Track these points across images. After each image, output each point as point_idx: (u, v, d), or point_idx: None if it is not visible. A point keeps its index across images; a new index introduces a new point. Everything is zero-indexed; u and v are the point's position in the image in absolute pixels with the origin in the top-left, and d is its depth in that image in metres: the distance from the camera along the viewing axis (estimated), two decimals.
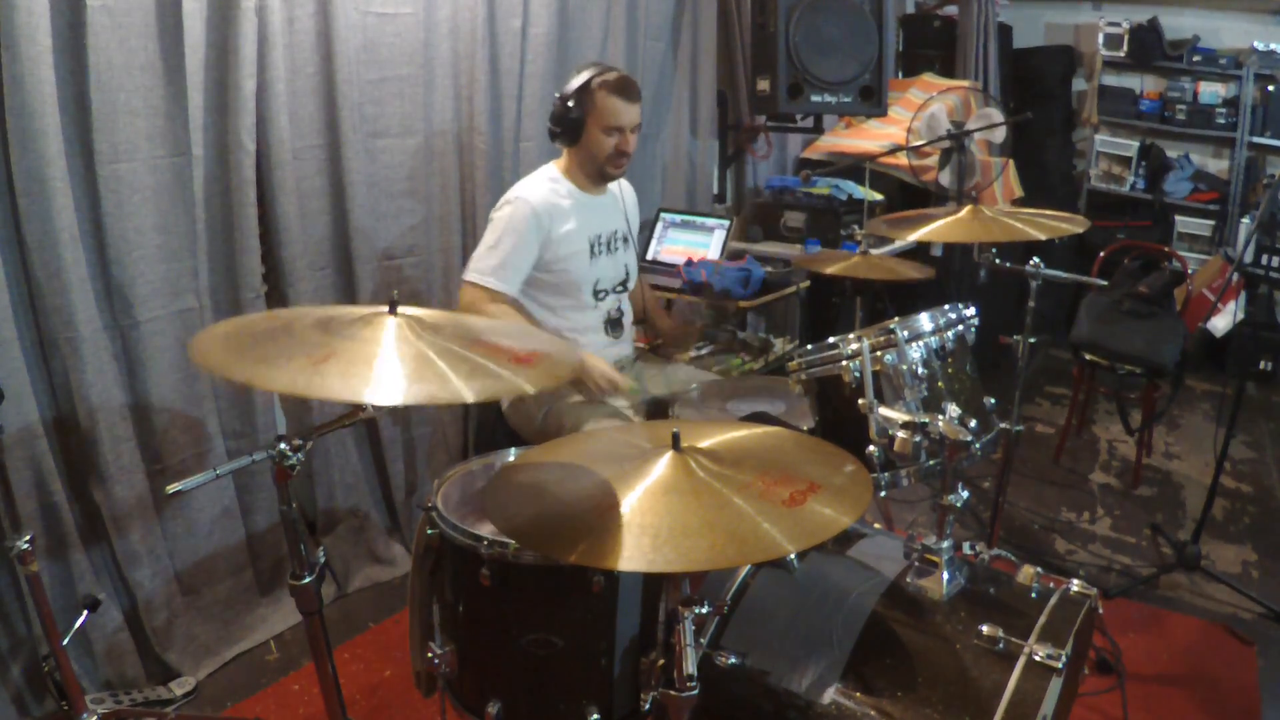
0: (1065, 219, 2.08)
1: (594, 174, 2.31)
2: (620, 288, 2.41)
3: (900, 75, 4.92)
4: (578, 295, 2.30)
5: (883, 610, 1.50)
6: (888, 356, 1.68)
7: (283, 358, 1.19)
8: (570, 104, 2.19)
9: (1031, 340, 2.29)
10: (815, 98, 3.46)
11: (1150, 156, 5.40)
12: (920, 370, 1.71)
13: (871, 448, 1.60)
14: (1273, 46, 4.90)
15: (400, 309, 1.31)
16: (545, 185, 2.27)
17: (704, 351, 3.06)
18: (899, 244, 3.89)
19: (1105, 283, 2.95)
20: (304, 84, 2.41)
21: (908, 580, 1.55)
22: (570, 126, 2.21)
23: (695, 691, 1.22)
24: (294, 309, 1.34)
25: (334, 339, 1.24)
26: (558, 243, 2.24)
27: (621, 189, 2.45)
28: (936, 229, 2.12)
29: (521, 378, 1.23)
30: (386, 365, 1.18)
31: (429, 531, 1.59)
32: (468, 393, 1.17)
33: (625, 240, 2.43)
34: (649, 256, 3.45)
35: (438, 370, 1.19)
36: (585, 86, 2.19)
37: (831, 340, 1.71)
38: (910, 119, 3.42)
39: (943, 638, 1.43)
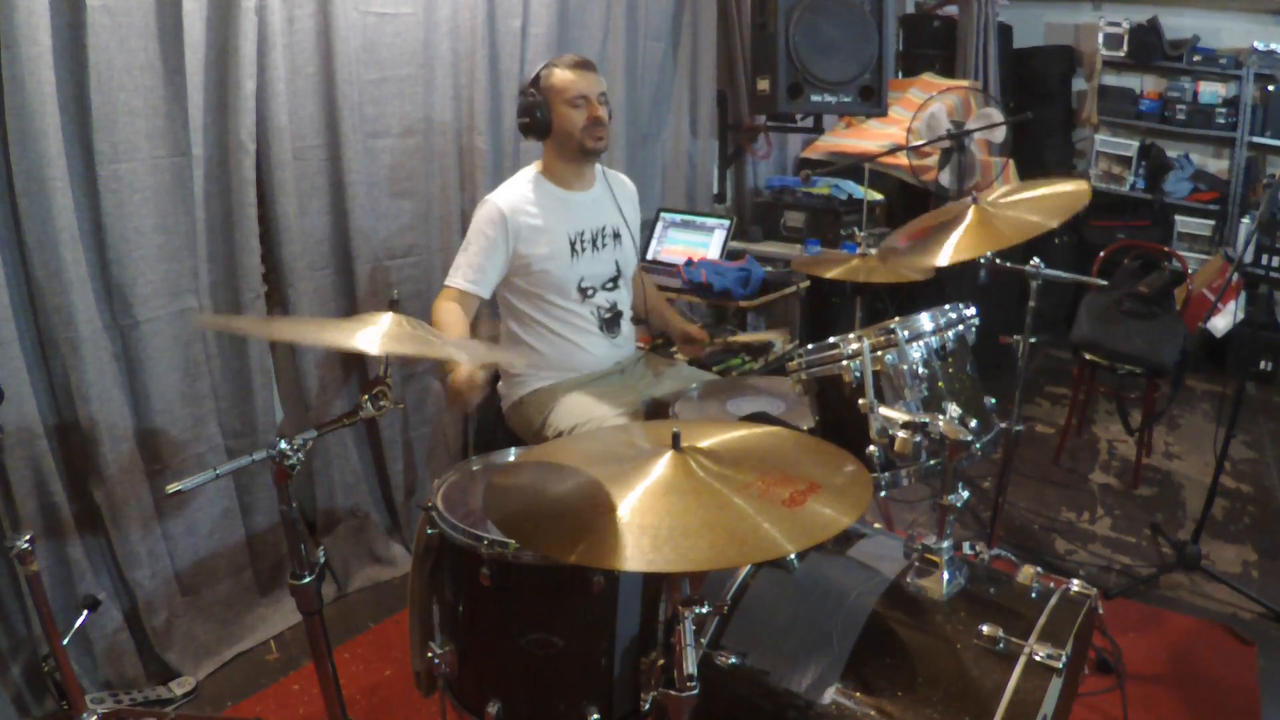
0: (1066, 190, 2.02)
1: (575, 156, 2.29)
2: (611, 284, 2.38)
3: (900, 75, 4.93)
4: (562, 292, 2.29)
5: (883, 610, 1.50)
6: (888, 356, 1.68)
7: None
8: (531, 91, 2.23)
9: (1031, 340, 2.29)
10: (815, 98, 3.47)
11: (1150, 156, 5.40)
12: (920, 370, 1.71)
13: (871, 448, 1.60)
14: (1273, 46, 4.90)
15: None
16: (521, 187, 2.28)
17: (703, 351, 3.06)
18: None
19: (1105, 283, 2.95)
20: (304, 84, 2.41)
21: (908, 580, 1.55)
22: (536, 114, 2.23)
23: (695, 691, 1.22)
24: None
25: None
26: (530, 243, 2.23)
27: (613, 182, 2.43)
28: (951, 246, 2.00)
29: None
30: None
31: (429, 531, 1.59)
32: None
33: (616, 235, 2.41)
34: (649, 256, 3.45)
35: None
36: (539, 73, 2.25)
37: (831, 340, 1.71)
38: (910, 119, 3.42)
39: (943, 638, 1.43)
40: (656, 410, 2.31)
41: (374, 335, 1.38)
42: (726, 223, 3.40)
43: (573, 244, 2.29)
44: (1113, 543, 3.07)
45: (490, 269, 2.22)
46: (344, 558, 2.75)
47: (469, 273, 2.21)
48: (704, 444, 1.28)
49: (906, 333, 1.69)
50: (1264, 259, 4.69)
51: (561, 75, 2.22)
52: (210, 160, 2.25)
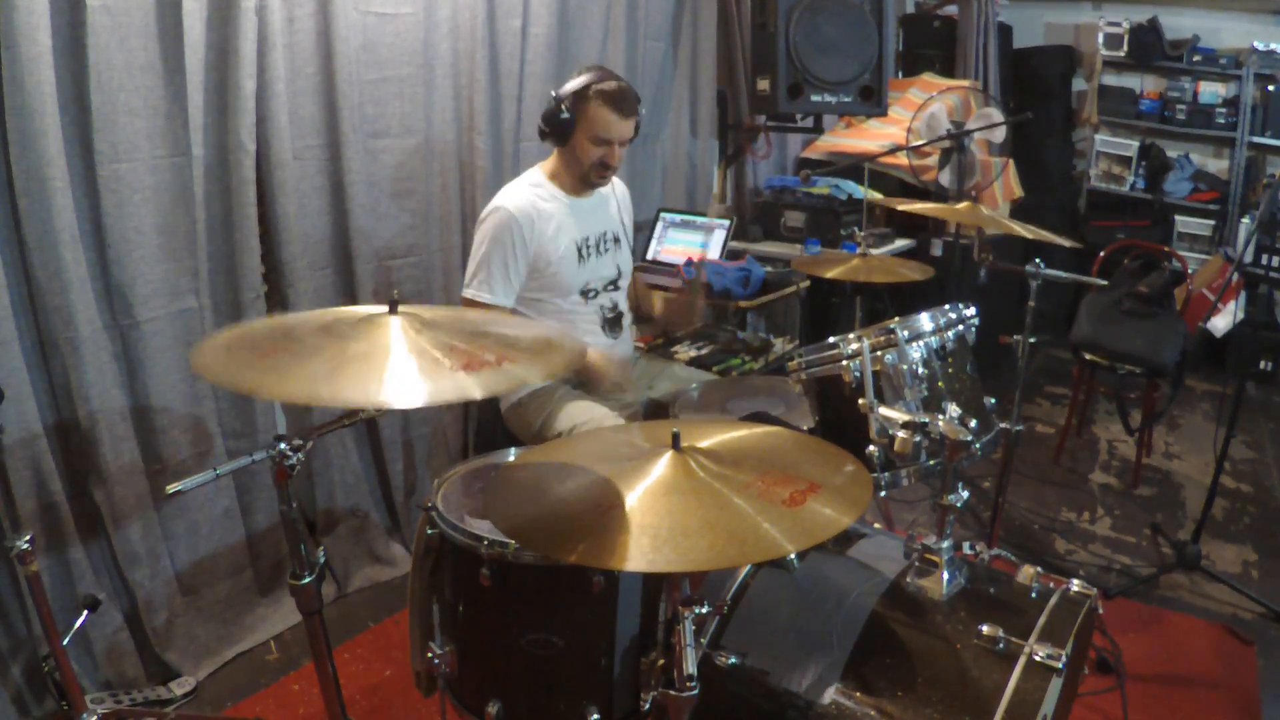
0: (1058, 239, 2.16)
1: (577, 179, 2.29)
2: (612, 286, 2.39)
3: (900, 75, 4.92)
4: (566, 296, 2.29)
5: (883, 610, 1.50)
6: (888, 356, 1.68)
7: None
8: (564, 106, 2.18)
9: (1031, 340, 2.29)
10: (815, 98, 3.47)
11: (1150, 156, 5.40)
12: (920, 370, 1.71)
13: (871, 448, 1.60)
14: (1273, 46, 4.90)
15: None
16: (527, 191, 2.26)
17: (704, 351, 3.06)
18: (899, 244, 3.91)
19: (1105, 283, 2.95)
20: (304, 84, 2.41)
21: (908, 580, 1.55)
22: (559, 129, 2.20)
23: (695, 691, 1.22)
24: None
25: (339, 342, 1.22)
26: (542, 247, 2.23)
27: (613, 187, 2.44)
28: (921, 206, 2.22)
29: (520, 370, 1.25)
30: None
31: (429, 531, 1.59)
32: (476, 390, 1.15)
33: (616, 240, 2.41)
34: (649, 256, 3.45)
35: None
36: (582, 92, 2.17)
37: (831, 340, 1.71)
38: (910, 119, 3.42)
39: (943, 638, 1.43)
40: (656, 410, 2.31)
41: (413, 386, 1.14)
42: (726, 223, 3.40)
43: (580, 249, 2.29)
44: (1113, 543, 3.07)
45: (511, 277, 2.20)
46: (344, 558, 2.75)
47: (492, 283, 2.18)
48: (704, 444, 1.28)
49: (906, 333, 1.69)
50: (1264, 259, 4.69)
51: (599, 111, 2.16)
52: (210, 160, 2.24)
